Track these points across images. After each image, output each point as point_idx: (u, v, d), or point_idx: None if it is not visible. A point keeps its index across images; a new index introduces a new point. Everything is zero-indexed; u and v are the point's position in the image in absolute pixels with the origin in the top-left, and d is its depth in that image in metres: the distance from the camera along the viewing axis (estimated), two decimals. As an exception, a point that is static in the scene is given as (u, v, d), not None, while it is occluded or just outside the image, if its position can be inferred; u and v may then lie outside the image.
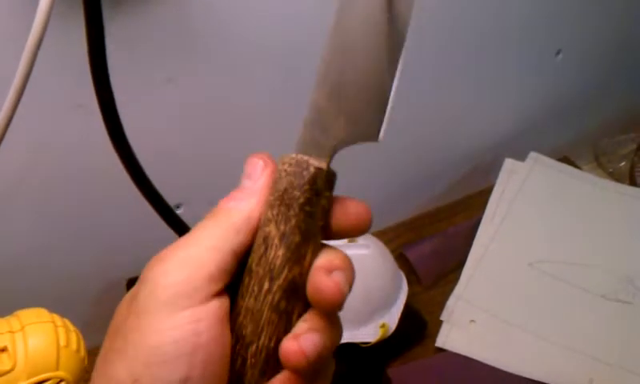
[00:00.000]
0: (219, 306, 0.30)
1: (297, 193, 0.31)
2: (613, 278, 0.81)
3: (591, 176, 0.93)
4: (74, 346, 0.51)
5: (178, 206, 0.69)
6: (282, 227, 0.31)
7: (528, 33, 0.84)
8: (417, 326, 0.78)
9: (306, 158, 0.32)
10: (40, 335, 0.50)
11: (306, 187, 0.31)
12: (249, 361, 0.31)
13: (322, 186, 0.32)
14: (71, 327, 0.52)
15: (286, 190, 0.31)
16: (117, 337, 0.30)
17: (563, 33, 0.88)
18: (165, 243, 0.32)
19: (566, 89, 0.95)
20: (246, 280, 0.32)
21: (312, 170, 0.31)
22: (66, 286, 0.69)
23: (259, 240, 0.32)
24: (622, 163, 0.97)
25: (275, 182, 0.32)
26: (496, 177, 0.89)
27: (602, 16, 0.90)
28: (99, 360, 0.31)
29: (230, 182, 0.35)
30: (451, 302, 0.79)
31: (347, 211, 0.33)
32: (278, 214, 0.31)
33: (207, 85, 0.64)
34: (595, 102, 0.99)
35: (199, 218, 0.32)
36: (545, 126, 0.96)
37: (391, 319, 0.75)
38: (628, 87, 1.01)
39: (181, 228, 0.59)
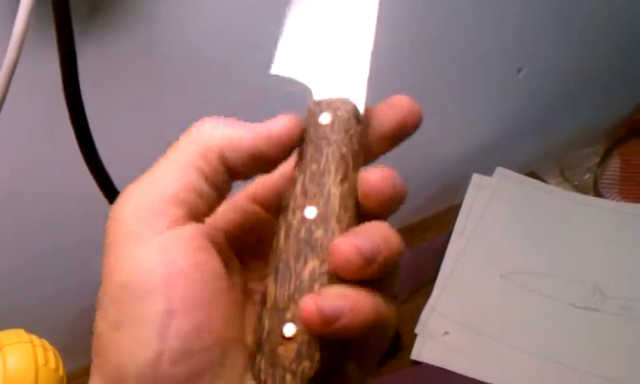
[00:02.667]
0: (194, 229, 0.27)
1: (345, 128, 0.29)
2: (581, 286, 0.82)
3: (556, 189, 0.96)
4: (52, 365, 0.52)
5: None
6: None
7: (488, 52, 0.87)
8: (391, 339, 0.79)
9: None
10: (19, 355, 0.51)
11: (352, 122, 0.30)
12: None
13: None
14: (49, 347, 0.53)
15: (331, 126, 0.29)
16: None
17: (523, 51, 0.91)
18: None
19: (530, 105, 0.97)
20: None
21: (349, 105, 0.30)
22: (43, 310, 0.69)
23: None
24: (587, 176, 1.00)
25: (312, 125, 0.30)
26: (465, 193, 0.91)
27: (561, 33, 0.93)
28: None
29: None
30: (425, 315, 0.80)
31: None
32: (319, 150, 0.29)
33: (179, 110, 0.66)
34: (559, 118, 1.02)
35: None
36: (510, 142, 0.98)
37: (366, 334, 0.76)
38: (591, 101, 1.04)
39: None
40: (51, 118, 0.53)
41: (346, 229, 0.28)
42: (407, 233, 0.94)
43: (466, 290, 0.83)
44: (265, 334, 0.27)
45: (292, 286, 0.27)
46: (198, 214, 0.28)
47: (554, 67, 0.96)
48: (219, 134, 0.29)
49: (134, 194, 0.28)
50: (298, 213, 0.28)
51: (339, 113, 0.30)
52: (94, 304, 0.76)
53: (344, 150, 0.29)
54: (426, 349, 0.78)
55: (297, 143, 0.29)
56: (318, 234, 0.27)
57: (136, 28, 0.59)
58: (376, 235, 0.27)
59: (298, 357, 0.26)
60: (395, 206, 0.29)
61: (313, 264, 0.27)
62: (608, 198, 0.96)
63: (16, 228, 0.64)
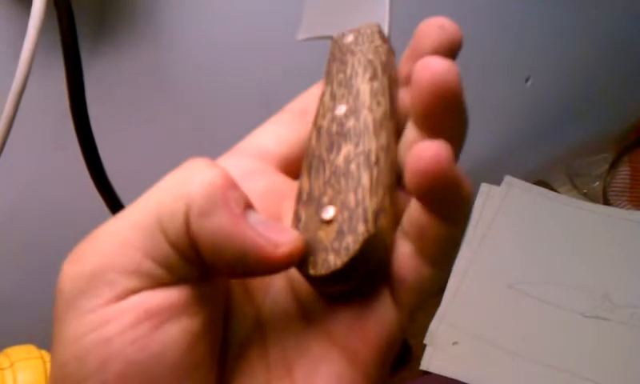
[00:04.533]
0: (146, 299, 0.22)
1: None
2: (590, 295, 0.82)
3: (566, 197, 0.95)
4: (62, 380, 0.53)
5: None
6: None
7: (496, 61, 0.87)
8: (401, 349, 0.79)
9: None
10: (29, 371, 0.51)
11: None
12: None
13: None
14: (59, 362, 0.54)
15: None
16: None
17: (530, 60, 0.91)
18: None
19: (538, 114, 0.97)
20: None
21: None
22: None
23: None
24: (596, 183, 0.99)
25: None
26: (473, 202, 0.91)
27: (568, 41, 0.93)
28: None
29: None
30: (434, 325, 0.81)
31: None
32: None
33: (187, 126, 0.67)
34: (567, 125, 1.02)
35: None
36: (519, 151, 0.99)
37: (375, 344, 0.76)
38: (599, 109, 1.04)
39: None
40: (62, 134, 0.54)
41: (380, 122, 0.26)
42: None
43: (475, 299, 0.83)
44: (302, 225, 0.24)
45: (327, 173, 0.25)
46: (160, 284, 0.22)
47: (561, 75, 0.96)
48: (198, 197, 0.22)
49: (79, 257, 0.22)
50: (328, 114, 0.27)
51: (362, 31, 0.29)
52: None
53: (370, 56, 0.28)
54: (436, 359, 0.78)
55: (294, 265, 0.24)
56: (350, 123, 0.26)
57: (143, 45, 0.59)
58: None
59: (340, 235, 0.23)
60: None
61: (347, 149, 0.25)
62: (618, 205, 0.95)
63: (25, 241, 0.65)
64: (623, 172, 0.98)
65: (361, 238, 0.23)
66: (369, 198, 0.23)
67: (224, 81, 0.66)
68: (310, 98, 0.29)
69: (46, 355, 0.53)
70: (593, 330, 0.79)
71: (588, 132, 1.04)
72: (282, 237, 0.22)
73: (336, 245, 0.23)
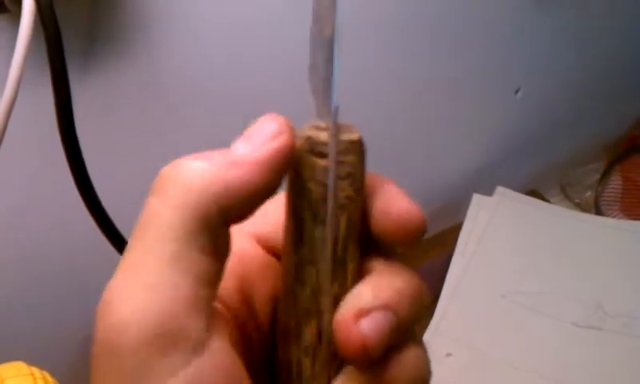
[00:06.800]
0: (219, 349, 0.21)
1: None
2: (583, 305, 0.82)
3: (557, 207, 0.96)
4: (53, 397, 0.52)
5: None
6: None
7: (486, 73, 0.87)
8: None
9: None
10: (19, 388, 0.51)
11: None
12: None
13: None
14: (50, 379, 0.53)
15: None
16: None
17: (521, 71, 0.91)
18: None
19: (529, 125, 0.98)
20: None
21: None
22: (44, 339, 0.70)
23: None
24: (588, 193, 1.00)
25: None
26: (465, 213, 0.92)
27: (558, 52, 0.93)
28: None
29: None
30: (427, 336, 0.80)
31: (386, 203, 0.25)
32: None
33: (177, 138, 0.67)
34: (559, 136, 1.02)
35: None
36: (510, 161, 0.99)
37: (368, 357, 0.76)
38: (590, 118, 1.04)
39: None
40: (52, 151, 0.54)
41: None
42: (409, 254, 0.94)
43: (469, 310, 0.83)
44: None
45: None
46: (213, 311, 0.22)
47: (551, 86, 0.96)
48: (211, 184, 0.22)
49: (129, 312, 0.20)
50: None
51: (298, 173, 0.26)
52: (94, 334, 0.75)
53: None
54: (429, 371, 0.78)
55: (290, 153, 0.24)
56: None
57: (133, 59, 0.59)
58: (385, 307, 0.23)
59: None
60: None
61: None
62: (609, 215, 0.96)
63: (16, 257, 0.64)
64: (615, 181, 0.99)
65: None
66: None
67: (215, 94, 0.66)
68: None
69: (37, 372, 0.53)
70: (586, 340, 0.79)
71: (579, 142, 1.05)
72: (273, 124, 0.23)
73: None
